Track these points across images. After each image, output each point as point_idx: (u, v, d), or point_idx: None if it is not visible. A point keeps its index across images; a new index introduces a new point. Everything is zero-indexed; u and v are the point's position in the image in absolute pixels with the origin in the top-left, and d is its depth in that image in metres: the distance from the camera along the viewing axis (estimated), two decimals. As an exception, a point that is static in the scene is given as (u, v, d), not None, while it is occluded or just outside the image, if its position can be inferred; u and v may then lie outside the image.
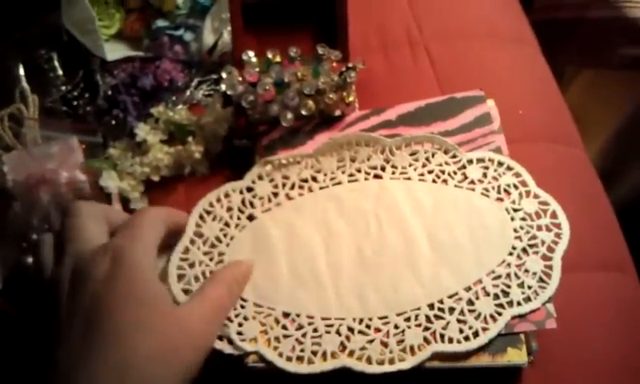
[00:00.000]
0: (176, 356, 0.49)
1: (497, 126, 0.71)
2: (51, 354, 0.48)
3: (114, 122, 0.82)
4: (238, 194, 0.67)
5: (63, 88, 0.87)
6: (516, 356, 0.59)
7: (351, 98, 0.74)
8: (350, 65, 0.74)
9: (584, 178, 0.81)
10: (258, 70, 0.73)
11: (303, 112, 0.72)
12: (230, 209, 0.66)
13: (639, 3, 1.11)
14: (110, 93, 0.85)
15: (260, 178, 0.68)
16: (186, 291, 0.59)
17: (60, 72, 0.88)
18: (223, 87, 0.74)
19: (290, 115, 0.72)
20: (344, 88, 0.73)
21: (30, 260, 0.70)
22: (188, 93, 0.87)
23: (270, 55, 0.74)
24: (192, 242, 0.63)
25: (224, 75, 0.73)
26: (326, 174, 0.68)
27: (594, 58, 1.23)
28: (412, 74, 0.88)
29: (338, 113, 0.75)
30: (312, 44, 0.76)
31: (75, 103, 0.86)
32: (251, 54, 0.75)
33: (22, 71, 0.86)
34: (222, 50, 0.89)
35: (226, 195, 0.67)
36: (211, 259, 0.63)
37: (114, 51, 0.89)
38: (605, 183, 0.82)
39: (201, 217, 0.65)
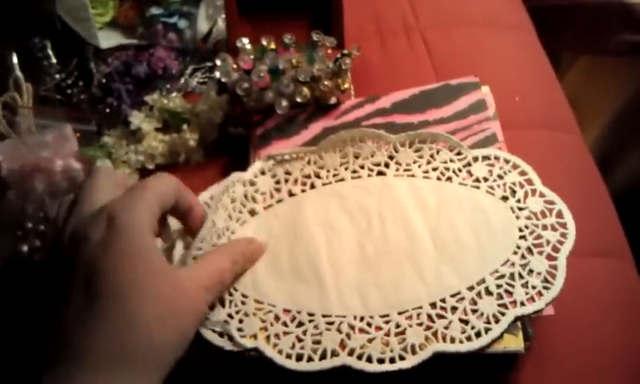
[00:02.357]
0: (176, 319, 0.49)
1: (492, 113, 0.71)
2: (52, 318, 0.48)
3: (108, 110, 0.82)
4: (242, 186, 0.66)
5: (57, 76, 0.86)
6: (512, 342, 0.58)
7: (346, 85, 0.74)
8: (345, 51, 0.74)
9: (581, 165, 0.81)
10: (252, 57, 0.73)
11: (298, 99, 0.72)
12: (233, 200, 0.65)
13: (635, -11, 1.11)
14: (104, 81, 0.84)
15: (262, 172, 0.68)
16: None
17: (54, 60, 0.88)
18: (218, 75, 0.74)
19: (284, 102, 0.72)
20: (339, 75, 0.73)
21: (25, 248, 0.70)
22: (182, 80, 0.86)
23: (264, 42, 0.74)
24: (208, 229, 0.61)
25: (218, 63, 0.73)
26: (328, 171, 0.67)
27: (590, 45, 1.22)
28: (408, 61, 0.87)
29: (333, 100, 0.74)
30: (307, 31, 0.76)
31: (69, 91, 0.86)
32: (245, 41, 0.74)
33: (15, 60, 0.85)
34: (217, 37, 0.89)
35: (232, 185, 0.66)
36: None
37: (108, 39, 0.89)
38: (602, 170, 0.82)
39: (209, 205, 0.64)
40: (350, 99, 0.76)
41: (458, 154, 0.67)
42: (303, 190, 0.66)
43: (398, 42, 0.89)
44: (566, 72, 1.34)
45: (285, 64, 0.73)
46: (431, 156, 0.67)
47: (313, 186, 0.67)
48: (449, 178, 0.65)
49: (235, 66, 0.73)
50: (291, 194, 0.66)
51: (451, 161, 0.66)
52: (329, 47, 0.75)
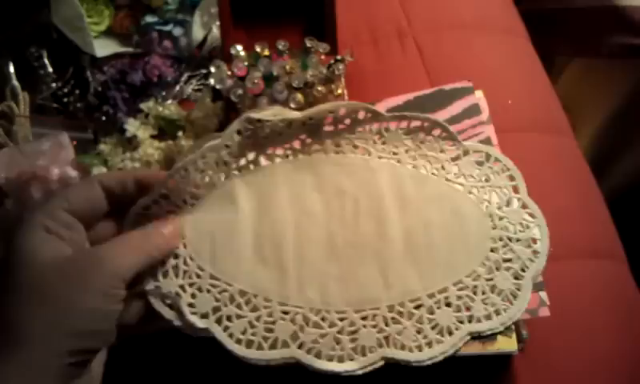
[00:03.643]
0: (48, 297, 0.48)
1: (486, 117, 0.71)
2: None
3: (104, 118, 0.83)
4: (214, 153, 0.59)
5: (53, 85, 0.87)
6: (506, 344, 0.59)
7: (340, 91, 0.75)
8: (339, 57, 0.74)
9: (574, 167, 0.82)
10: (246, 63, 0.74)
11: (292, 105, 0.73)
12: (202, 171, 0.59)
13: (627, -8, 1.12)
14: (100, 89, 0.85)
15: (239, 133, 0.60)
16: None
17: (50, 69, 0.88)
18: (212, 82, 0.74)
19: (278, 108, 0.72)
20: (332, 80, 0.74)
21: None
22: (177, 88, 0.87)
23: (258, 49, 0.75)
24: (155, 202, 0.57)
25: (213, 70, 0.74)
26: (312, 140, 0.63)
27: (583, 48, 1.23)
28: (401, 66, 0.88)
29: (327, 105, 0.75)
30: (301, 37, 0.76)
31: (66, 100, 0.86)
32: (239, 47, 0.75)
33: (12, 69, 0.86)
34: (212, 44, 0.89)
35: (202, 156, 0.58)
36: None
37: (104, 48, 0.89)
38: (596, 172, 0.82)
39: (171, 177, 0.58)
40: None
41: (450, 143, 0.64)
42: (282, 157, 0.62)
43: (391, 47, 0.90)
44: (559, 75, 1.34)
45: (278, 70, 0.73)
46: (421, 141, 0.64)
47: (294, 154, 0.63)
48: (435, 171, 0.63)
49: (229, 73, 0.73)
50: (268, 159, 0.62)
51: (441, 151, 0.64)
52: (322, 53, 0.75)
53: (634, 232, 0.88)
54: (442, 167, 0.63)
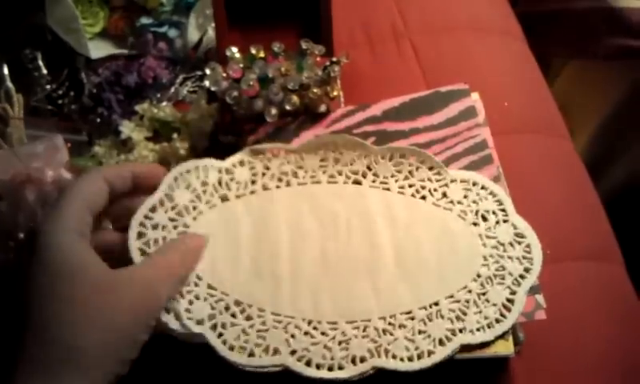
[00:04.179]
0: (100, 321, 0.48)
1: (482, 119, 0.71)
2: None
3: (99, 120, 0.83)
4: (217, 172, 0.65)
5: (48, 87, 0.87)
6: (502, 347, 0.59)
7: (335, 93, 0.74)
8: (334, 59, 0.74)
9: (570, 169, 0.82)
10: (241, 65, 0.73)
11: (287, 107, 0.72)
12: (205, 183, 0.64)
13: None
14: (94, 91, 0.84)
15: (241, 163, 0.67)
16: (142, 251, 0.58)
17: (45, 71, 0.88)
18: (207, 84, 0.74)
19: (274, 111, 0.72)
20: (328, 82, 0.73)
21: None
22: (173, 90, 0.87)
23: (253, 51, 0.74)
24: (161, 202, 0.62)
25: (208, 71, 0.73)
26: (306, 171, 0.67)
27: (579, 49, 1.23)
28: (397, 68, 0.88)
29: (322, 108, 0.74)
30: (296, 39, 0.76)
31: (60, 102, 0.86)
32: (235, 49, 0.75)
33: (6, 71, 0.85)
34: (207, 46, 0.89)
35: (205, 168, 0.65)
36: (175, 227, 0.61)
37: (99, 49, 0.89)
38: (593, 174, 0.82)
39: (175, 181, 0.63)
40: (340, 106, 0.77)
41: (437, 173, 0.66)
42: (278, 186, 0.66)
43: (387, 49, 0.90)
44: (555, 77, 1.34)
45: (274, 72, 0.73)
46: (410, 172, 0.66)
47: (288, 184, 0.66)
48: (423, 197, 0.65)
49: (225, 75, 0.73)
50: (265, 189, 0.66)
51: (429, 180, 0.66)
52: (318, 55, 0.75)
53: (631, 233, 0.88)
54: (431, 194, 0.65)
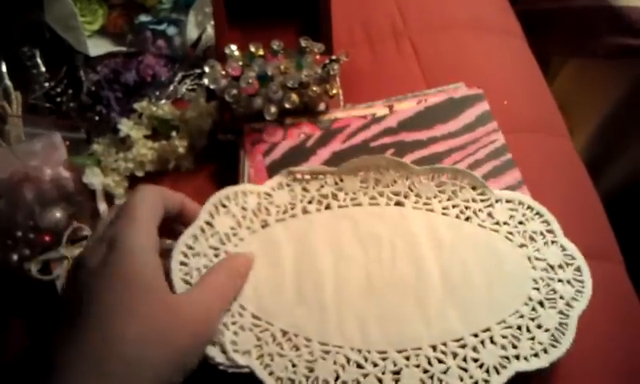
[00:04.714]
0: (164, 340, 0.49)
1: (497, 124, 0.71)
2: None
3: (97, 118, 0.82)
4: (256, 196, 0.65)
5: (46, 85, 0.86)
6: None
7: (335, 91, 0.74)
8: (334, 57, 0.74)
9: (570, 168, 0.81)
10: (240, 63, 0.73)
11: (287, 105, 0.72)
12: (244, 209, 0.64)
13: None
14: (93, 89, 0.84)
15: (280, 186, 0.66)
16: (185, 281, 0.58)
17: (43, 69, 0.88)
18: (206, 82, 0.74)
19: (273, 109, 0.72)
20: (327, 81, 0.73)
21: (14, 257, 0.70)
22: (171, 87, 0.86)
23: (252, 49, 0.74)
24: (202, 230, 0.61)
25: (207, 69, 0.73)
26: (346, 194, 0.66)
27: (579, 48, 1.23)
28: (397, 66, 0.87)
29: (322, 106, 0.75)
30: (296, 37, 0.76)
31: (59, 99, 0.85)
32: (234, 47, 0.74)
33: (4, 68, 0.85)
34: (206, 44, 0.89)
35: (244, 194, 0.65)
36: (216, 255, 0.61)
37: (97, 47, 0.89)
38: (593, 173, 0.82)
39: (215, 208, 0.63)
40: (339, 105, 0.77)
41: (482, 193, 0.65)
42: (318, 210, 0.65)
43: (387, 47, 0.90)
44: (554, 76, 1.34)
45: (273, 70, 0.73)
46: (453, 192, 0.66)
47: (328, 207, 0.66)
48: (468, 218, 0.64)
49: (224, 73, 0.73)
50: (305, 212, 0.65)
51: (473, 200, 0.65)
52: (317, 53, 0.75)
53: (631, 232, 0.88)
54: (476, 215, 0.64)
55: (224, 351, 0.55)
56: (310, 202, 0.66)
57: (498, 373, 0.55)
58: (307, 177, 0.67)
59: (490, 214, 0.64)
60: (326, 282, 0.60)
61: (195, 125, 0.78)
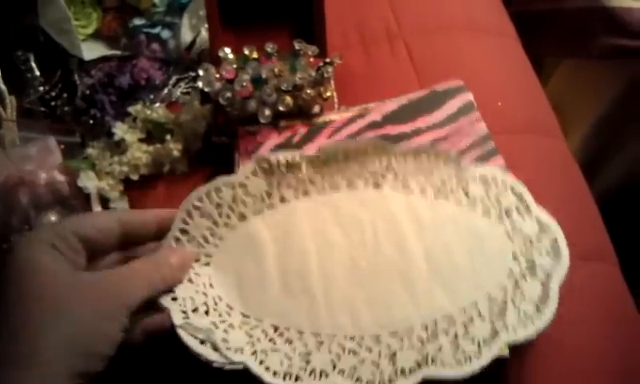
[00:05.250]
0: (70, 322, 0.49)
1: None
2: None
3: (92, 122, 0.82)
4: (230, 189, 0.63)
5: (41, 88, 0.86)
6: (497, 348, 0.59)
7: (329, 94, 0.74)
8: (327, 60, 0.74)
9: (564, 169, 0.81)
10: (235, 66, 0.73)
11: (281, 108, 0.72)
12: (219, 205, 0.62)
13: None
14: (87, 92, 0.84)
15: (254, 174, 0.64)
16: (171, 298, 0.56)
17: (37, 73, 0.88)
18: (200, 85, 0.74)
19: (267, 111, 0.72)
20: (321, 83, 0.73)
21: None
22: (166, 91, 0.86)
23: (246, 51, 0.74)
24: (177, 240, 0.60)
25: (201, 72, 0.73)
26: (323, 178, 0.65)
27: (573, 48, 1.23)
28: (391, 68, 0.88)
29: (316, 108, 0.75)
30: (290, 40, 0.76)
31: (53, 103, 0.85)
32: (228, 50, 0.75)
33: (-1, 73, 0.86)
34: (201, 47, 0.89)
35: (217, 190, 0.63)
36: (197, 260, 0.60)
37: (92, 50, 0.89)
38: (587, 174, 0.82)
39: (188, 213, 0.61)
40: (334, 107, 0.77)
41: (457, 171, 0.65)
42: (296, 197, 0.64)
43: (381, 49, 0.90)
44: (549, 77, 1.35)
45: (267, 73, 0.73)
46: (429, 171, 0.65)
47: (306, 193, 0.64)
48: (445, 196, 0.64)
49: (218, 76, 0.73)
50: (283, 200, 0.64)
51: (449, 178, 0.65)
52: (311, 56, 0.75)
53: (626, 233, 0.88)
54: (453, 192, 0.64)
55: (217, 349, 0.55)
56: (287, 189, 0.64)
57: (488, 346, 0.55)
58: (283, 165, 0.65)
59: (466, 191, 0.64)
60: (311, 271, 0.60)
61: (190, 128, 0.78)
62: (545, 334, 0.65)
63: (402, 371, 0.54)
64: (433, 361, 0.55)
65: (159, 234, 0.59)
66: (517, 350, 0.61)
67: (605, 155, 1.26)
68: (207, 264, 0.60)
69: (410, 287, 0.59)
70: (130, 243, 0.58)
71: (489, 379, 0.64)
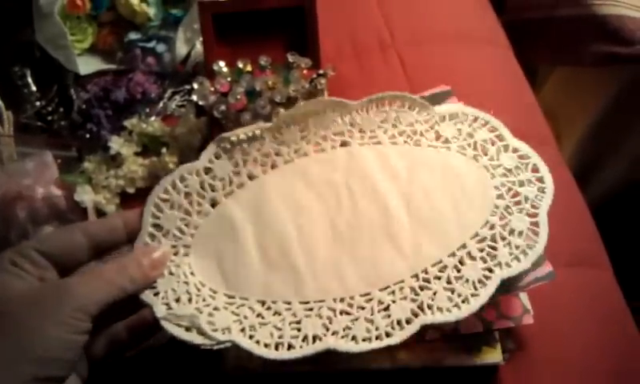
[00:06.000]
0: (21, 324, 0.49)
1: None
2: None
3: (88, 136, 0.83)
4: (195, 176, 0.61)
5: (37, 104, 0.87)
6: (491, 355, 0.59)
7: (323, 105, 0.75)
8: (321, 72, 0.74)
9: (557, 176, 0.81)
10: (229, 79, 0.74)
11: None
12: (188, 194, 0.60)
13: (607, 1, 1.13)
14: (83, 107, 0.85)
15: (217, 156, 0.62)
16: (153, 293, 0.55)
17: (34, 88, 0.88)
18: (195, 98, 0.74)
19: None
20: (315, 95, 0.74)
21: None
22: (161, 104, 0.87)
23: (240, 65, 0.75)
24: (152, 236, 0.58)
25: (195, 86, 0.74)
26: (289, 146, 0.63)
27: (566, 56, 1.24)
28: (384, 79, 0.88)
29: (310, 120, 0.75)
30: (283, 53, 0.76)
31: (50, 118, 0.86)
32: (222, 64, 0.75)
33: (-5, 88, 0.86)
34: (195, 60, 0.89)
35: (182, 179, 0.61)
36: (176, 253, 0.58)
37: (88, 65, 0.89)
38: (580, 180, 0.83)
39: (157, 207, 0.59)
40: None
41: (424, 113, 0.64)
42: (264, 171, 0.62)
43: (374, 60, 0.90)
44: (542, 84, 1.35)
45: (261, 86, 0.73)
46: (396, 119, 0.64)
47: (274, 165, 0.62)
48: (417, 142, 0.63)
49: (212, 89, 0.74)
50: (252, 177, 0.62)
51: (417, 122, 0.64)
52: (304, 68, 0.75)
53: (619, 239, 0.89)
54: (424, 136, 0.63)
55: (202, 333, 0.53)
56: (254, 164, 0.62)
57: (484, 285, 0.54)
58: (244, 141, 0.63)
59: (437, 133, 0.63)
60: (291, 242, 0.58)
61: (185, 141, 0.78)
62: (537, 339, 0.65)
63: (399, 323, 0.53)
64: (429, 307, 0.54)
65: (132, 235, 0.58)
66: (510, 358, 0.62)
67: (599, 161, 1.27)
68: (187, 255, 0.58)
69: (394, 241, 0.58)
70: (105, 250, 0.57)
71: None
